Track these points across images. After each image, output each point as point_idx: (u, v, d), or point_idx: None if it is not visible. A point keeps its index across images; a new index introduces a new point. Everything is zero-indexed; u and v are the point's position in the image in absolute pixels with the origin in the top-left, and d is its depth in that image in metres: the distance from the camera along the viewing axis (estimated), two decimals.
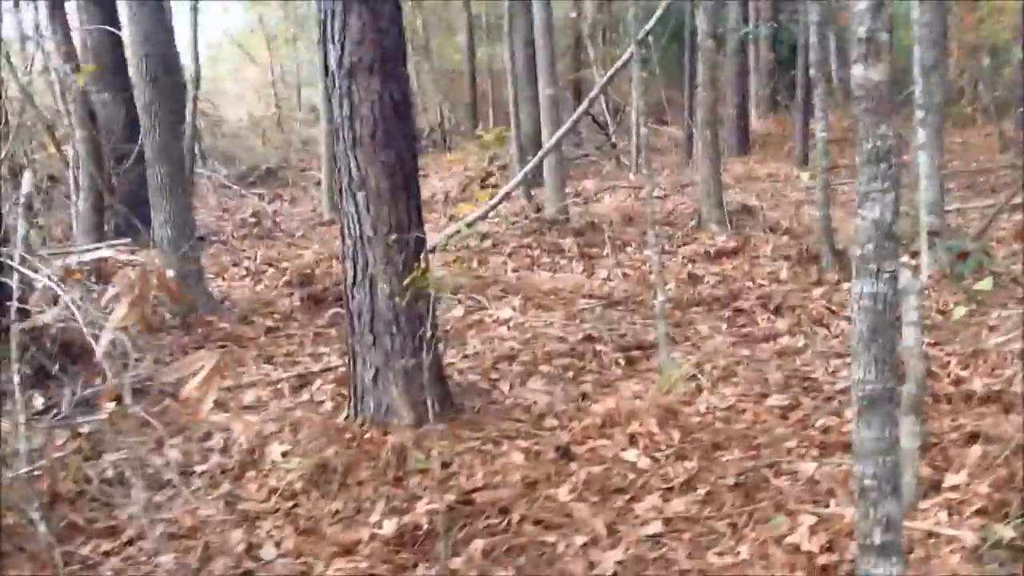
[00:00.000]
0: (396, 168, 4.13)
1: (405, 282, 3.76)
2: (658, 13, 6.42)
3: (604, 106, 17.24)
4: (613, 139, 15.14)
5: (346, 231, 4.24)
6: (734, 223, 8.40)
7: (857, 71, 2.01)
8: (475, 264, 7.81)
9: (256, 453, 3.97)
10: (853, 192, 10.59)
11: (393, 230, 4.15)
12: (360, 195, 4.13)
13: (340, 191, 4.22)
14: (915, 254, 6.29)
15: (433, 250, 8.18)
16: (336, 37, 4.01)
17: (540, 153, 7.71)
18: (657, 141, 18.17)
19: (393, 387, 4.12)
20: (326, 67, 4.11)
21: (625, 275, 7.22)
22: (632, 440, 3.84)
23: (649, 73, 14.43)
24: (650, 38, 14.87)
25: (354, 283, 4.25)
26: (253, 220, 11.02)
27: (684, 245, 8.03)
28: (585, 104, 7.27)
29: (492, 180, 13.02)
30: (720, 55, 11.04)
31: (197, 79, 9.11)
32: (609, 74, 7.13)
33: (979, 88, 18.87)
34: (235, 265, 8.35)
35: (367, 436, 4.00)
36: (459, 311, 6.15)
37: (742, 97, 16.38)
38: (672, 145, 17.08)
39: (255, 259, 8.44)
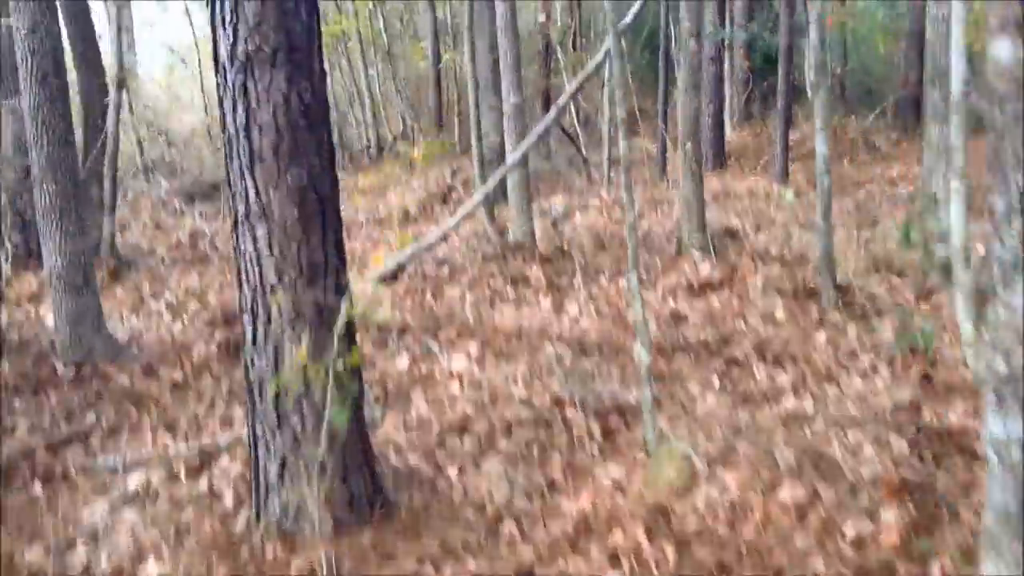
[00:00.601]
0: (308, 192, 3.16)
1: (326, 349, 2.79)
2: (636, 7, 5.51)
3: (574, 116, 16.38)
4: (584, 151, 14.25)
5: (243, 277, 3.25)
6: (717, 248, 7.51)
7: None
8: (428, 295, 6.84)
9: None
10: (840, 211, 9.77)
11: (304, 275, 3.17)
12: (260, 229, 3.16)
13: (235, 223, 3.23)
14: (929, 293, 5.44)
15: (383, 280, 7.25)
16: (227, 18, 3.04)
17: (501, 169, 6.76)
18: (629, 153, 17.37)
19: (304, 483, 3.14)
20: (216, 58, 3.13)
21: (599, 312, 6.28)
22: (614, 558, 2.89)
23: (609, 79, 13.62)
24: (623, 42, 14.04)
25: (254, 344, 3.26)
26: (189, 241, 9.95)
27: (664, 274, 7.12)
28: (552, 113, 6.34)
29: (454, 196, 12.08)
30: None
31: (121, 82, 8.02)
32: (582, 76, 6.22)
33: None
34: (155, 297, 7.30)
35: (268, 554, 3.02)
36: (404, 361, 5.17)
37: (718, 106, 15.58)
38: (644, 157, 16.25)
39: (178, 290, 7.40)
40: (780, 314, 5.76)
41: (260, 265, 3.18)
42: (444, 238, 7.49)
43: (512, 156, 6.50)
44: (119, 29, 8.63)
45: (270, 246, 3.16)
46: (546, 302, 6.62)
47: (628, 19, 5.52)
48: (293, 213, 3.13)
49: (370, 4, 17.79)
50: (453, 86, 19.86)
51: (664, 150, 14.47)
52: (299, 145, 3.11)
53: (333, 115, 17.83)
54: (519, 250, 7.64)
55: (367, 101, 17.87)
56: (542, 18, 15.95)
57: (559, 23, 15.57)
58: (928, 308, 5.46)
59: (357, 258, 7.99)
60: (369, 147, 17.63)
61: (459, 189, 12.34)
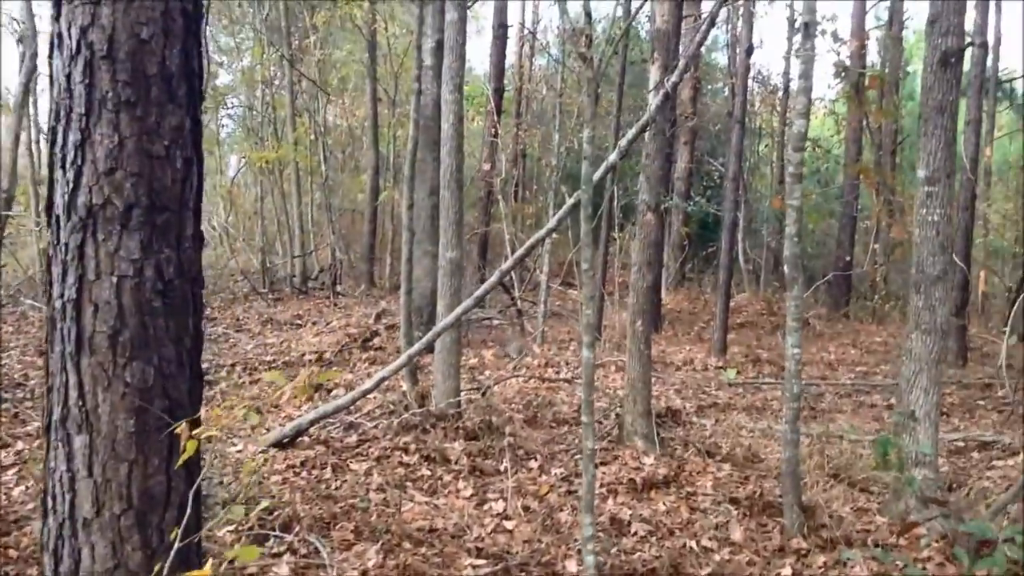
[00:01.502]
0: (153, 397, 2.31)
1: None
2: (605, 165, 4.95)
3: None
4: (519, 304, 13.65)
5: (49, 501, 2.34)
6: (661, 436, 6.77)
7: None
8: (328, 470, 5.88)
9: None
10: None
11: (134, 508, 2.28)
12: (79, 440, 2.28)
13: (47, 428, 2.35)
14: (910, 526, 4.73)
15: (278, 444, 6.29)
16: (69, 157, 2.25)
17: (431, 333, 5.99)
18: (561, 306, 16.89)
19: None
20: (49, 208, 2.33)
21: (527, 509, 5.40)
22: None
23: (559, 235, 13.26)
24: (567, 198, 13.76)
25: None
26: None
27: (603, 464, 6.31)
28: (495, 278, 5.66)
29: (376, 342, 11.23)
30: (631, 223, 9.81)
31: (9, 200, 7.12)
32: (536, 237, 5.54)
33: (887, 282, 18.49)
34: None
35: None
36: (283, 570, 4.18)
37: (657, 271, 15.31)
38: (575, 311, 15.72)
39: None
40: (737, 535, 4.96)
41: (73, 491, 2.28)
42: (354, 401, 6.58)
43: (444, 320, 5.75)
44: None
45: (90, 466, 2.27)
46: (467, 490, 5.72)
47: (599, 174, 4.94)
48: (128, 424, 2.27)
49: (312, 135, 17.35)
50: (389, 222, 19.37)
51: (600, 309, 14.02)
52: (148, 334, 2.28)
53: (260, 241, 17.11)
54: (441, 421, 6.77)
55: (297, 231, 17.15)
56: (486, 166, 15.68)
57: (502, 174, 15.28)
58: (906, 544, 4.75)
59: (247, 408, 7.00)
60: (293, 277, 16.78)
61: (383, 334, 11.51)
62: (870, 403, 9.47)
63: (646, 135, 6.18)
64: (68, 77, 2.23)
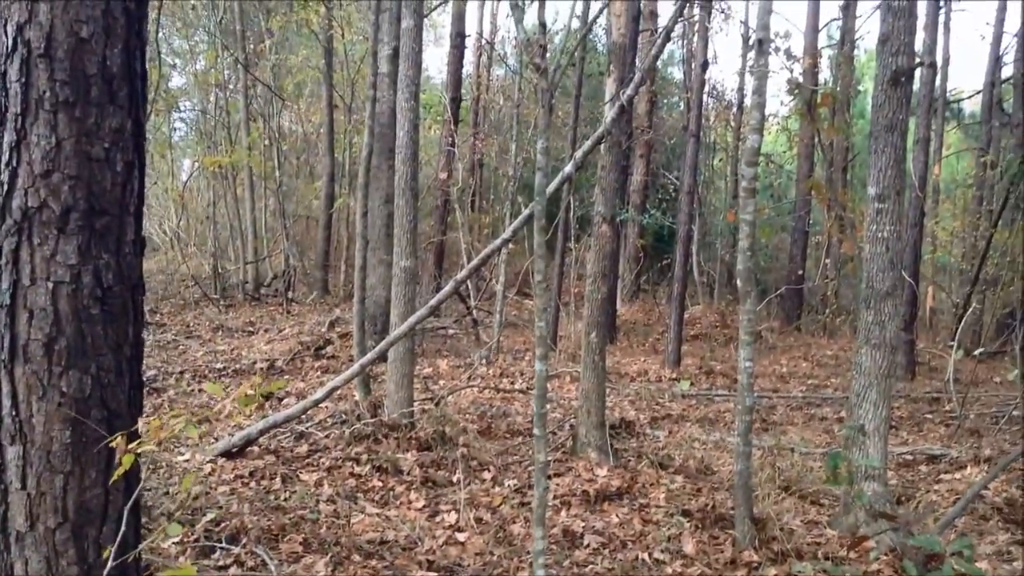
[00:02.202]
0: (91, 407, 2.23)
1: None
2: (562, 175, 4.94)
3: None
4: (474, 314, 13.60)
5: None
6: (615, 447, 6.76)
7: None
8: (277, 480, 5.77)
9: None
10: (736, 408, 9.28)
11: (69, 522, 2.20)
12: (12, 452, 2.19)
13: None
14: (859, 540, 4.77)
15: (228, 454, 6.16)
16: (4, 159, 2.17)
17: (384, 343, 5.91)
18: (516, 316, 16.88)
19: None
20: None
21: (479, 521, 5.35)
22: None
23: (516, 245, 13.27)
24: (522, 206, 13.76)
25: None
26: None
27: (557, 475, 6.28)
28: (449, 288, 5.61)
29: (329, 350, 11.10)
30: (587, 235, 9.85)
31: None
32: (492, 247, 5.49)
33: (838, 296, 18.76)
34: None
35: None
36: None
37: (612, 283, 15.42)
38: (530, 321, 15.70)
39: None
40: (689, 548, 4.96)
41: (6, 503, 2.19)
42: (305, 411, 6.48)
43: (398, 330, 5.68)
44: None
45: (23, 478, 2.18)
46: (419, 501, 5.65)
47: (554, 185, 4.93)
48: (63, 435, 2.18)
49: (266, 140, 17.15)
50: (344, 229, 19.19)
51: (556, 320, 14.03)
52: (86, 342, 2.20)
53: (212, 246, 16.82)
54: (393, 431, 6.69)
55: (250, 236, 16.91)
56: (443, 175, 15.62)
57: (459, 182, 15.24)
58: (856, 558, 4.78)
59: (197, 418, 6.89)
60: (246, 283, 16.53)
61: (336, 343, 11.37)
62: (820, 416, 9.58)
63: (602, 147, 6.19)
64: (3, 76, 2.15)
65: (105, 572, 2.25)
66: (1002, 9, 16.34)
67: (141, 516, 2.49)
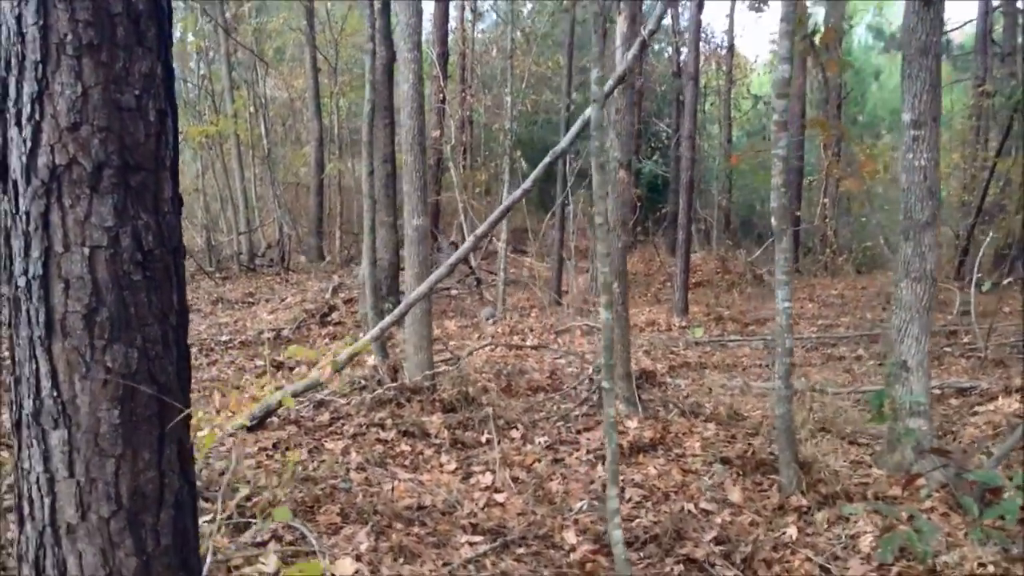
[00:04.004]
0: (140, 383, 2.03)
1: None
2: (582, 118, 4.71)
3: (465, 235, 15.63)
4: (478, 274, 13.41)
5: (25, 506, 2.06)
6: (641, 397, 6.63)
7: None
8: (304, 451, 5.61)
9: None
10: (760, 354, 9.15)
11: (124, 511, 2.01)
12: (56, 437, 1.99)
13: (16, 426, 2.05)
14: (913, 478, 4.65)
15: (248, 427, 5.98)
16: (25, 111, 1.94)
17: (404, 304, 5.72)
18: (516, 273, 16.66)
19: None
20: (3, 172, 2.01)
21: (516, 480, 5.21)
22: None
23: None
24: (523, 163, 13.52)
25: None
26: None
27: (586, 431, 6.15)
28: (469, 243, 5.41)
29: (334, 317, 10.90)
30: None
31: None
32: (510, 200, 5.29)
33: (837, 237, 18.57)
34: None
35: None
36: (271, 564, 3.92)
37: (631, 229, 15.23)
38: (532, 277, 15.50)
39: None
40: (735, 496, 4.84)
41: (53, 494, 2.00)
42: (323, 381, 6.30)
43: (418, 289, 5.48)
44: None
45: (70, 464, 1.99)
46: (451, 464, 5.51)
47: (564, 143, 4.72)
48: (111, 415, 1.99)
49: (251, 107, 16.74)
50: (336, 195, 18.87)
51: (560, 274, 13.87)
52: (129, 312, 1.99)
53: (203, 219, 16.50)
54: (416, 394, 6.53)
55: (241, 206, 16.60)
56: (435, 134, 15.30)
57: (452, 140, 14.93)
58: (907, 497, 4.67)
59: (209, 392, 6.69)
60: (240, 254, 16.26)
61: (341, 309, 11.18)
62: (838, 355, 9.48)
63: (616, 91, 5.96)
64: (19, 19, 1.91)
65: (165, 562, 2.07)
66: None
67: (198, 499, 2.31)
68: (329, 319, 10.75)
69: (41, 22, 1.90)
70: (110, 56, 1.94)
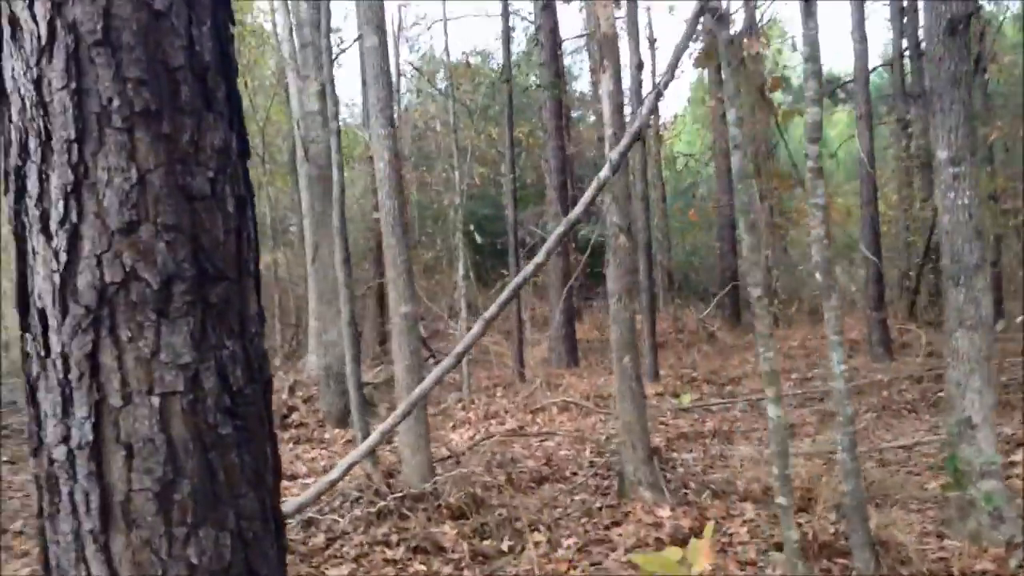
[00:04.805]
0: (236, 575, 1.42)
1: None
2: (598, 179, 4.25)
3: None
4: (438, 357, 12.79)
5: None
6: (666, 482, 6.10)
7: None
8: None
9: None
10: (751, 417, 8.74)
11: None
12: None
13: None
14: (1014, 548, 4.21)
15: None
16: (56, 215, 1.37)
17: (406, 403, 5.07)
18: (473, 350, 16.07)
19: None
20: (24, 301, 1.42)
21: None
22: None
23: (463, 277, 12.54)
24: (478, 237, 13.09)
25: None
26: None
27: (615, 524, 5.56)
28: (479, 328, 4.86)
29: (295, 418, 10.12)
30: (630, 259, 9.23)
31: None
32: (516, 281, 4.78)
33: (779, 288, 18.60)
34: None
35: None
36: None
37: (569, 302, 14.85)
38: (488, 353, 14.92)
39: None
40: None
41: None
42: (320, 494, 5.59)
43: (422, 385, 4.87)
44: None
45: None
46: None
47: (578, 210, 4.27)
48: None
49: None
50: (272, 287, 18.05)
51: (520, 347, 13.38)
52: (218, 481, 1.40)
53: None
54: (419, 502, 5.85)
55: None
56: (376, 215, 14.78)
57: None
58: (997, 569, 4.22)
59: None
60: None
61: (301, 409, 10.40)
62: (830, 411, 9.12)
63: (607, 149, 5.58)
64: (37, 83, 1.36)
65: None
66: None
67: None
68: (290, 421, 9.96)
69: (73, 84, 1.34)
70: (174, 126, 1.38)
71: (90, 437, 1.36)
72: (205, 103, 1.43)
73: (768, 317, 3.82)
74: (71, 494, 1.37)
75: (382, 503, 5.70)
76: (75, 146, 1.35)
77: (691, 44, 4.51)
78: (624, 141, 4.49)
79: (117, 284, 1.35)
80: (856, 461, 4.46)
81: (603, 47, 5.85)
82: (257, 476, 1.48)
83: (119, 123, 1.35)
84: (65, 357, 1.36)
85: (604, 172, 4.41)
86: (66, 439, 1.37)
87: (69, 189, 1.35)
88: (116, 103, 1.35)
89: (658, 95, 4.53)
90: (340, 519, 5.84)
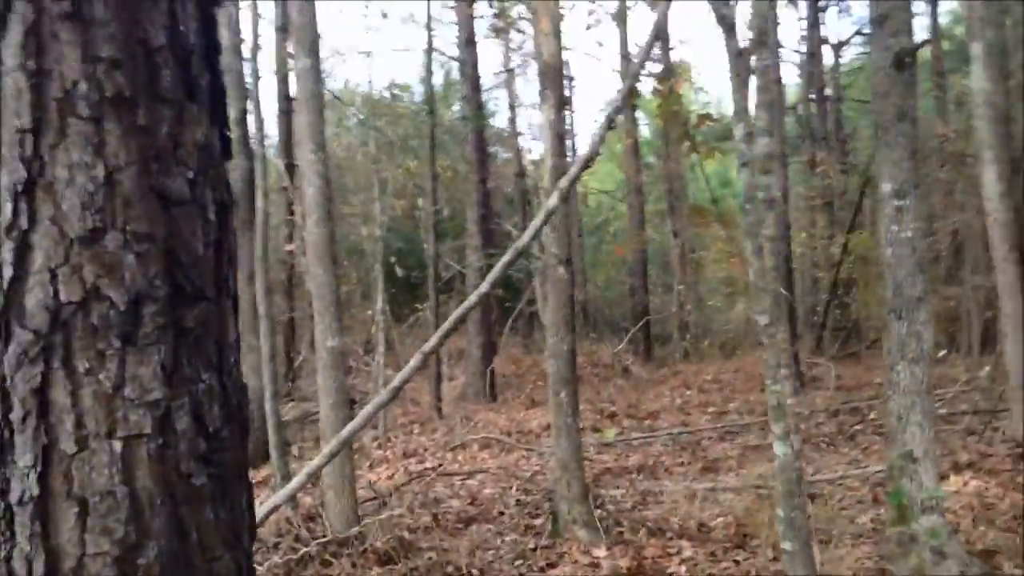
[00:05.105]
0: None
1: None
2: (538, 220, 4.13)
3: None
4: (351, 394, 12.41)
5: None
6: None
7: None
8: None
9: None
10: (675, 451, 8.73)
11: None
12: None
13: None
14: None
15: None
16: (6, 218, 1.12)
17: (335, 442, 4.81)
18: (382, 386, 15.70)
19: None
20: None
21: None
22: None
23: (381, 311, 12.27)
24: (399, 270, 12.80)
25: None
26: None
27: (550, 566, 5.38)
28: (417, 361, 4.65)
29: None
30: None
31: None
32: (449, 322, 4.60)
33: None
34: None
35: None
36: None
37: (487, 338, 14.70)
38: (405, 391, 14.59)
39: None
40: None
41: None
42: None
43: (353, 422, 4.62)
44: None
45: None
46: None
47: (526, 238, 4.13)
48: None
49: None
50: None
51: (439, 385, 13.14)
52: (190, 542, 1.18)
53: None
54: (343, 547, 5.54)
55: None
56: (289, 247, 14.38)
57: (305, 253, 14.04)
58: None
59: None
60: None
61: None
62: (752, 445, 9.19)
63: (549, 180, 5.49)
64: None
65: None
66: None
67: None
68: None
69: (32, 64, 1.12)
70: (150, 117, 1.16)
71: (35, 491, 1.11)
72: (187, 92, 1.22)
73: (777, 346, 3.73)
74: (8, 559, 1.12)
75: (304, 549, 5.37)
76: (30, 137, 1.12)
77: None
78: (574, 169, 4.41)
79: (75, 304, 1.12)
80: (803, 497, 4.41)
81: (546, 77, 5.78)
82: (234, 535, 1.25)
83: (85, 111, 1.13)
84: (6, 393, 1.12)
85: (553, 200, 4.31)
86: (3, 493, 1.12)
87: (20, 189, 1.12)
88: (83, 87, 1.13)
89: (610, 123, 4.45)
90: (258, 566, 5.47)
